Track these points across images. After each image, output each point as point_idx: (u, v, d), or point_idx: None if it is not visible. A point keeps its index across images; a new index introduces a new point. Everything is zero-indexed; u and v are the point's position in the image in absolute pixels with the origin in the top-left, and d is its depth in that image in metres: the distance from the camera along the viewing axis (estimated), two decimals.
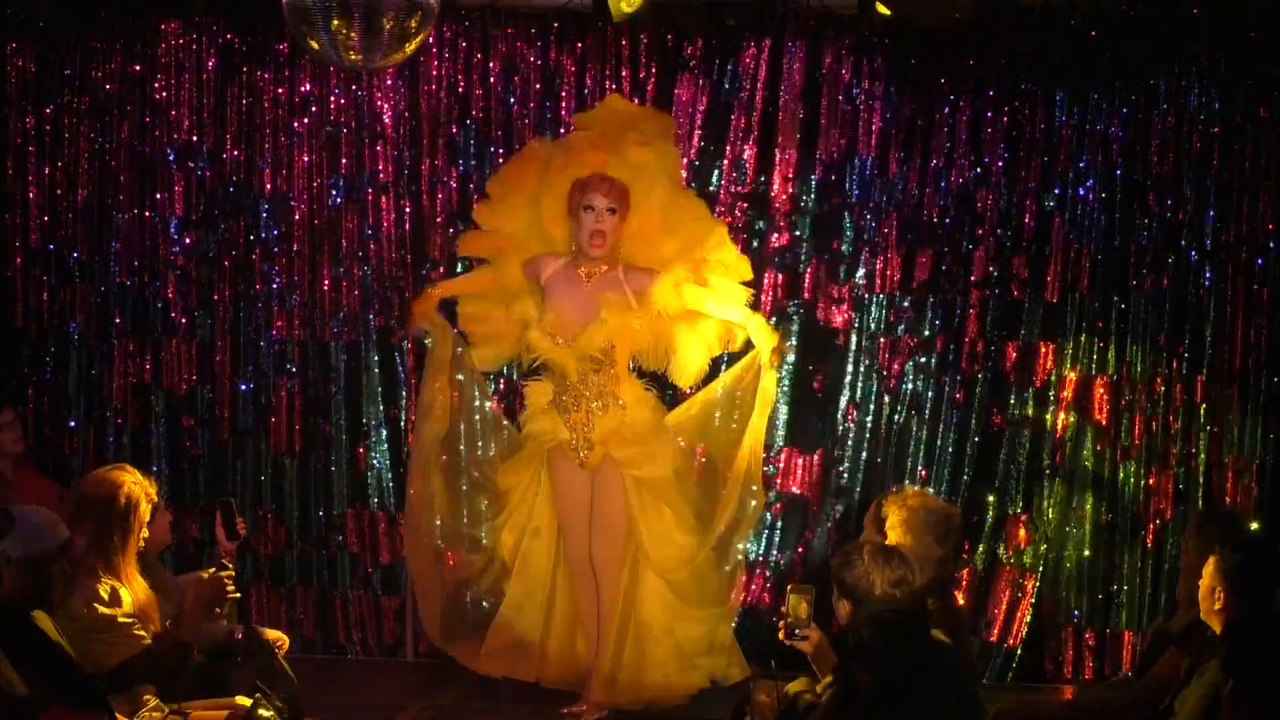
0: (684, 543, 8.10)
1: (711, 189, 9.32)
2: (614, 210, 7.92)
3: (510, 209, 8.25)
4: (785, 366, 9.11)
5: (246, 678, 6.70)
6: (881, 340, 9.32)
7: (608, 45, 9.30)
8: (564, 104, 9.35)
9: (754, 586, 9.34)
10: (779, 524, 9.40)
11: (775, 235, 9.34)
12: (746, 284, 8.22)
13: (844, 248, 9.35)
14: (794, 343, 9.32)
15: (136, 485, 6.70)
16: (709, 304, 8.02)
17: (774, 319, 9.20)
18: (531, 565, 8.37)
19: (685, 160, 9.14)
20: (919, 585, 6.12)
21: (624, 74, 9.30)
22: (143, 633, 6.43)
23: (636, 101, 9.09)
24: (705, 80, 9.31)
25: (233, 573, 6.78)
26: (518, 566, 8.35)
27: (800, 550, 9.39)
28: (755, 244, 9.33)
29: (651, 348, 8.13)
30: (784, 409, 9.36)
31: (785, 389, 9.31)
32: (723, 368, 8.42)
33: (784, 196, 9.32)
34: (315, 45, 6.77)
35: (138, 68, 9.48)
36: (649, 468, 8.05)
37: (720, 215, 9.15)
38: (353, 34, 6.68)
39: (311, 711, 6.95)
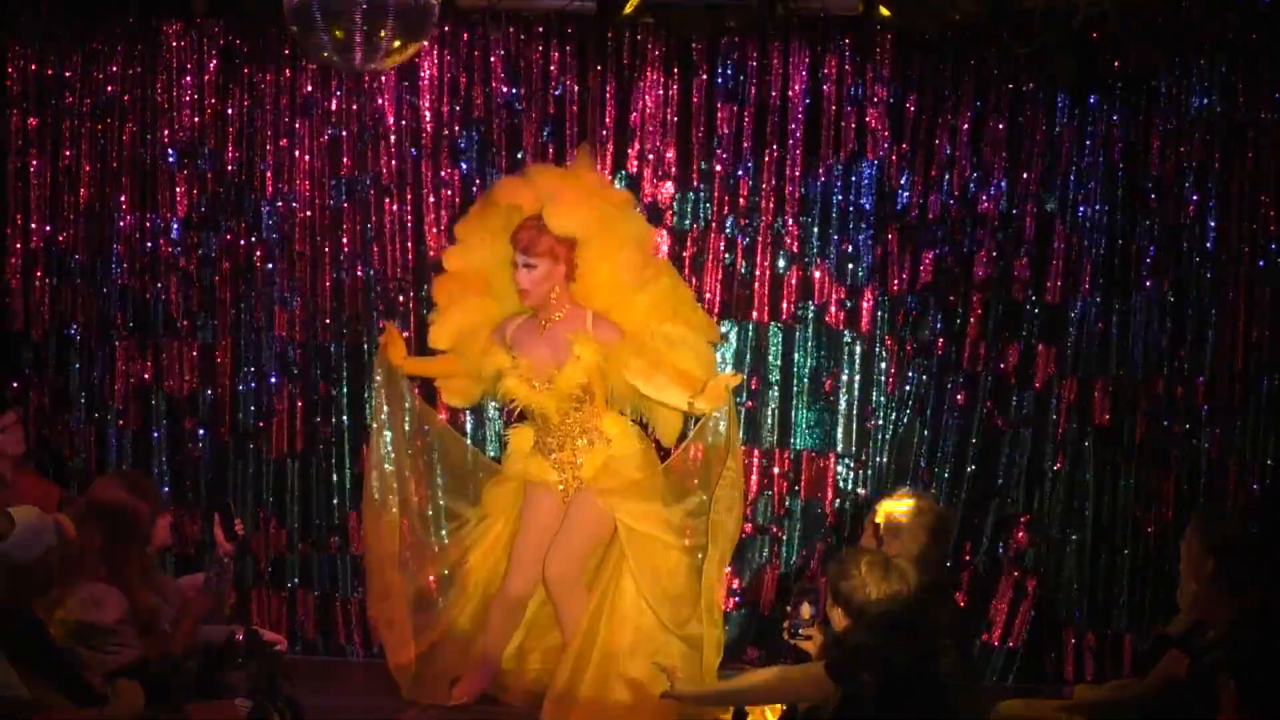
0: (680, 591, 8.05)
1: (713, 194, 9.34)
2: (531, 265, 7.87)
3: (479, 244, 8.23)
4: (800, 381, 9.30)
5: (246, 679, 6.70)
6: (884, 342, 9.33)
7: (608, 47, 9.30)
8: (565, 106, 9.35)
9: (763, 588, 9.38)
10: (787, 525, 9.42)
11: (777, 238, 9.34)
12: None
13: (847, 250, 9.35)
14: (806, 345, 9.38)
15: (146, 494, 6.70)
16: (651, 386, 7.96)
17: (773, 328, 9.27)
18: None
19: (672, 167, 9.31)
20: (913, 597, 6.10)
21: (625, 76, 9.30)
22: (135, 643, 6.42)
23: (644, 106, 9.27)
24: (707, 83, 9.31)
25: (230, 573, 6.79)
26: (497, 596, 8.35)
27: (800, 556, 9.41)
28: (756, 247, 9.34)
29: (624, 394, 8.10)
30: (795, 412, 9.39)
31: (802, 393, 9.41)
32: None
33: (787, 199, 9.32)
34: (316, 47, 6.78)
35: (139, 69, 9.49)
36: (638, 507, 8.01)
37: (719, 219, 9.23)
38: (353, 36, 6.68)
39: (312, 714, 6.94)
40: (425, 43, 7.13)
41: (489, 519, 8.37)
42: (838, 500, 9.40)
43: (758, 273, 9.33)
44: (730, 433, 8.00)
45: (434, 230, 9.38)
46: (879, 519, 6.92)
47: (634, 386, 8.01)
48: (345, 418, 9.49)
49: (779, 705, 6.83)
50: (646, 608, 8.05)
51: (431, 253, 9.29)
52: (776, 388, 9.41)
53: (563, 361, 7.92)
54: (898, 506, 6.91)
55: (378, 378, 8.34)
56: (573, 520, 8.07)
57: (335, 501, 9.52)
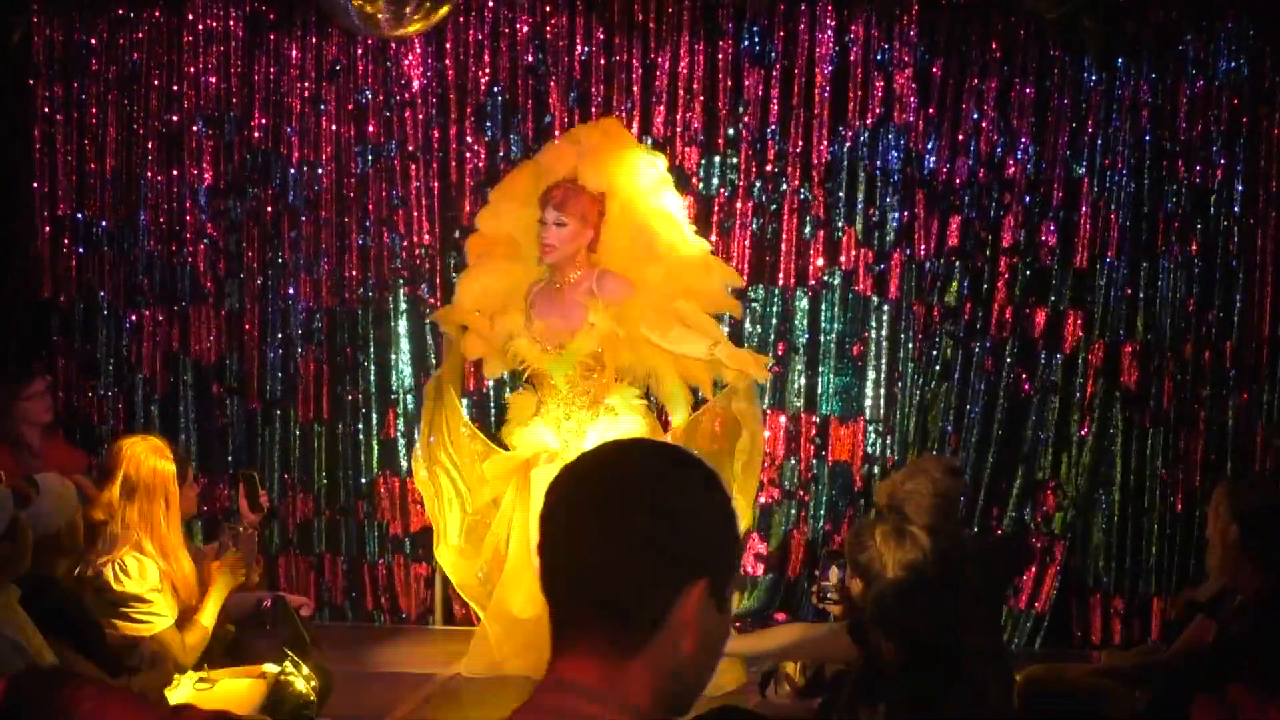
0: None
1: (739, 159, 9.32)
2: (563, 224, 7.77)
3: (509, 211, 8.18)
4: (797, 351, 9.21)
5: (274, 645, 6.72)
6: (911, 307, 9.31)
7: (634, 13, 9.28)
8: (591, 71, 9.34)
9: (791, 553, 9.39)
10: (814, 491, 9.43)
11: (804, 203, 9.33)
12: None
13: (874, 215, 9.33)
14: (832, 311, 9.36)
15: (166, 456, 6.70)
16: (669, 339, 7.84)
17: (799, 294, 9.26)
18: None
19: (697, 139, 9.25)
20: (933, 566, 6.08)
21: (651, 42, 9.28)
22: (164, 613, 6.44)
23: (666, 76, 9.20)
24: (734, 48, 9.29)
25: (255, 543, 6.82)
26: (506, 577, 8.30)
27: (828, 521, 9.41)
28: (783, 212, 9.32)
29: (631, 365, 7.95)
30: (822, 377, 9.38)
31: (829, 358, 9.37)
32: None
33: (814, 164, 9.30)
34: (342, 13, 6.78)
35: (165, 36, 9.49)
36: None
37: (746, 184, 9.22)
38: (380, 2, 6.68)
39: (339, 679, 6.96)
40: (452, 9, 7.12)
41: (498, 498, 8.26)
42: (865, 465, 9.40)
43: (784, 237, 9.31)
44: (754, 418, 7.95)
45: (461, 197, 9.40)
46: (897, 489, 6.89)
47: (644, 356, 7.96)
48: (372, 383, 9.51)
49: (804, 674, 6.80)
50: None
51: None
52: (803, 353, 9.40)
53: (575, 327, 7.82)
54: (914, 474, 6.84)
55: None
56: None
57: (362, 467, 9.54)
